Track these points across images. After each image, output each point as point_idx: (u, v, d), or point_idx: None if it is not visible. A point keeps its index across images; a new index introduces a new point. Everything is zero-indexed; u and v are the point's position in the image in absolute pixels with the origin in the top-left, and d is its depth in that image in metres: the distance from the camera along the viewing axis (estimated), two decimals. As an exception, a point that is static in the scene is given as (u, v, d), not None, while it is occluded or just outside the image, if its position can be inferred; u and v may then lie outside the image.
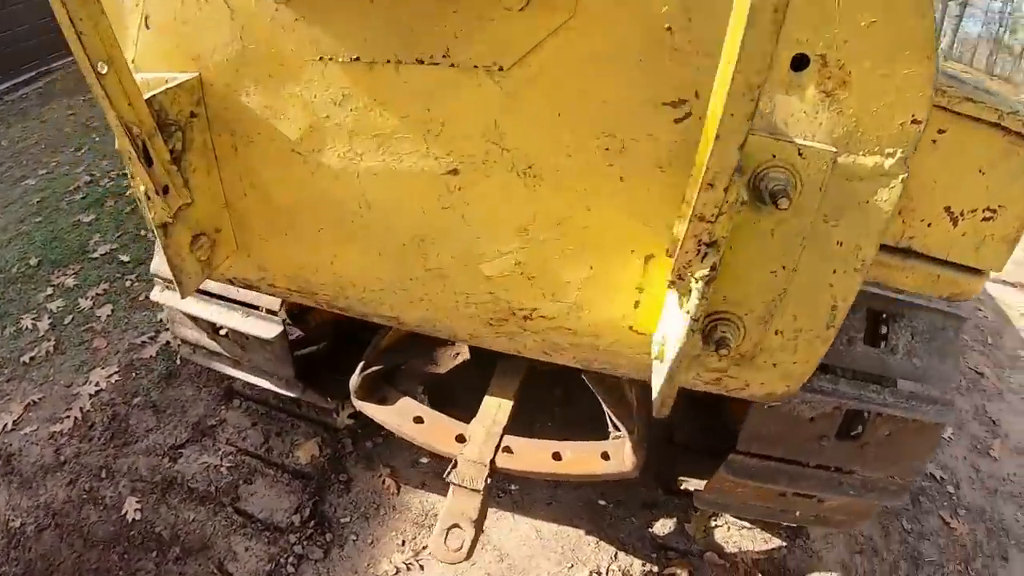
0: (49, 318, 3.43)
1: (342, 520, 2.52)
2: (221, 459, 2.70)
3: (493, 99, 1.16)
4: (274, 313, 2.19)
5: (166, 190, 1.27)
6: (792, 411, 1.76)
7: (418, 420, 2.13)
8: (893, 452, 1.88)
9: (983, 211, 1.17)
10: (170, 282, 2.30)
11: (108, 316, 3.44)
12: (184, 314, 2.35)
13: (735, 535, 2.54)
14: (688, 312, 1.03)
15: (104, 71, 1.06)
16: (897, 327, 1.79)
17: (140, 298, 3.57)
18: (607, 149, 1.15)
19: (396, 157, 1.27)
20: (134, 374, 3.07)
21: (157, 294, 2.35)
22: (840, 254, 1.13)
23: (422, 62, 1.16)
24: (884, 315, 1.79)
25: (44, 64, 6.93)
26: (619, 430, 2.13)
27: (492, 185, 1.25)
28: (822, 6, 0.96)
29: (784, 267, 1.10)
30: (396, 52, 1.17)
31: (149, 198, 1.24)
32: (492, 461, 1.93)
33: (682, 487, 2.30)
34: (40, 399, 2.94)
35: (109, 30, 1.05)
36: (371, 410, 2.17)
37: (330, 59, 1.21)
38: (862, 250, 1.12)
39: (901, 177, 1.06)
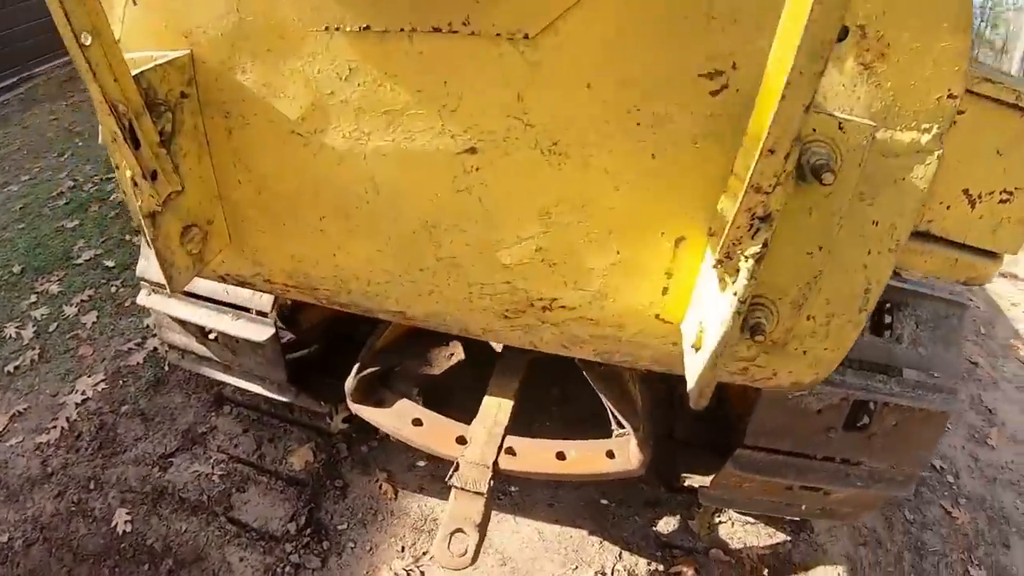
0: (33, 326, 3.36)
1: (339, 527, 2.47)
2: (213, 467, 2.64)
3: (517, 70, 1.09)
4: (265, 315, 2.14)
5: (154, 176, 1.19)
6: (799, 403, 1.74)
7: (417, 422, 2.08)
8: (900, 442, 1.87)
9: (1000, 193, 1.15)
10: (157, 286, 2.24)
11: (94, 323, 3.37)
12: (172, 318, 2.29)
13: (739, 531, 2.52)
14: (735, 294, 0.97)
15: (88, 42, 0.99)
16: (901, 316, 1.78)
17: (126, 304, 3.50)
18: (638, 124, 1.08)
19: (408, 136, 1.19)
20: (121, 382, 3.00)
21: (144, 298, 2.30)
22: (875, 234, 1.09)
23: (439, 30, 1.08)
24: (888, 304, 1.78)
25: (26, 70, 6.83)
26: (623, 427, 2.09)
27: (513, 164, 1.17)
28: None
29: (820, 247, 1.05)
30: (410, 20, 1.08)
31: (136, 184, 1.16)
32: (495, 463, 1.89)
33: (685, 484, 2.28)
34: (25, 409, 2.87)
35: None
36: (368, 413, 2.12)
37: (336, 29, 1.12)
38: (897, 229, 1.09)
39: (937, 154, 1.03)
